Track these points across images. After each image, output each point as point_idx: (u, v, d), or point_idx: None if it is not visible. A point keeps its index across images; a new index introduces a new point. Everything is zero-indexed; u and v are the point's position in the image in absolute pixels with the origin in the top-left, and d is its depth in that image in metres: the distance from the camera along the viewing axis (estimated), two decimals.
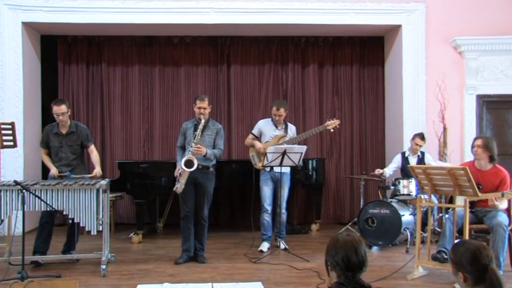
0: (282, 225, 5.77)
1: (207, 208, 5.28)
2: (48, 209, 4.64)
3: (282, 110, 5.74)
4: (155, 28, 7.13)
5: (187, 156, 5.05)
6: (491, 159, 4.76)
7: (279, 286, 4.38)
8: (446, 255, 4.51)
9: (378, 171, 6.33)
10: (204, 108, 5.22)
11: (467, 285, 2.19)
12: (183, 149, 5.31)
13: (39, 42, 7.40)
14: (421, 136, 6.32)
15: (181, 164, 5.06)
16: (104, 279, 4.57)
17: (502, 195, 4.46)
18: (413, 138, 6.33)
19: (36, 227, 5.49)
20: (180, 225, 5.30)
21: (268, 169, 5.66)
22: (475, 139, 4.92)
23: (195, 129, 5.18)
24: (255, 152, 5.82)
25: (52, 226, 5.23)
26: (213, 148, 5.27)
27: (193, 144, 5.07)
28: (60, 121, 5.16)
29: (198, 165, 5.05)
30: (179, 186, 5.12)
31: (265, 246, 5.70)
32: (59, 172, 5.12)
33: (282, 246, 5.68)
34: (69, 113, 5.22)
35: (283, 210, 5.76)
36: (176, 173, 5.20)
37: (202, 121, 5.15)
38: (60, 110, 5.09)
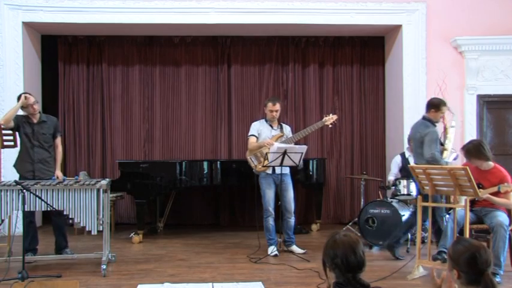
0: (291, 230, 5.68)
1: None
2: (48, 209, 4.65)
3: (278, 105, 5.69)
4: (156, 28, 7.13)
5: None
6: (484, 159, 4.66)
7: (280, 286, 4.38)
8: (446, 255, 4.50)
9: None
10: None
11: (461, 283, 2.21)
12: None
13: (40, 42, 7.41)
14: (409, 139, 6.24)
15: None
16: (104, 279, 4.57)
17: (499, 189, 4.48)
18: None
19: (37, 226, 5.50)
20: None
21: (270, 171, 5.58)
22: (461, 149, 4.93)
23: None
24: (253, 154, 5.68)
25: (35, 223, 5.33)
26: None
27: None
28: (33, 111, 5.23)
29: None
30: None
31: (274, 250, 5.54)
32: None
33: (300, 250, 5.58)
34: (39, 104, 5.46)
35: (292, 216, 5.68)
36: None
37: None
38: (31, 100, 5.19)
